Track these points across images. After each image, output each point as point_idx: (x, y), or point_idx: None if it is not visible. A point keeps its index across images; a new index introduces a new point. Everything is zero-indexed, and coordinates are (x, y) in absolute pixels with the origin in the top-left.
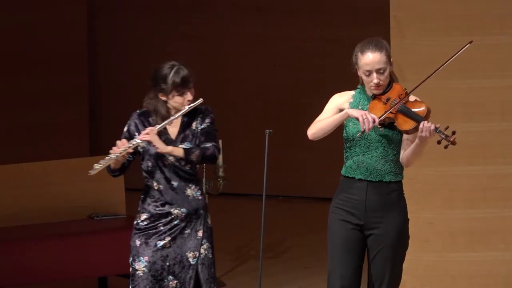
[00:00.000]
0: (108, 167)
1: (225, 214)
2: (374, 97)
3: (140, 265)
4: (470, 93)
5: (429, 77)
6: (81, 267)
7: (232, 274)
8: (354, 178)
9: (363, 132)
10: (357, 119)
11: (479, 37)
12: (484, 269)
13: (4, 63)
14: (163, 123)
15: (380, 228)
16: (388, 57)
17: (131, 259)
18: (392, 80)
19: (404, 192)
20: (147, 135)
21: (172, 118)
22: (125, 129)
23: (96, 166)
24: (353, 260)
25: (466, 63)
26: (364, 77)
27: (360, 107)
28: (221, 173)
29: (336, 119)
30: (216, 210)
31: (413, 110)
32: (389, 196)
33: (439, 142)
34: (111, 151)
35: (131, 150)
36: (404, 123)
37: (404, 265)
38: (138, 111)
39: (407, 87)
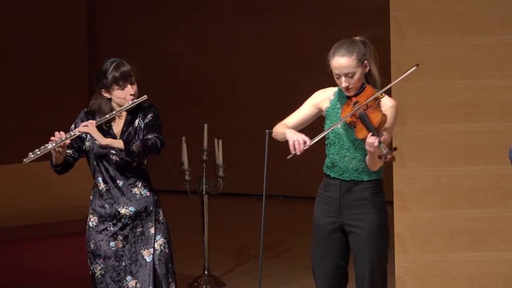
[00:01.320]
0: (51, 161)
1: (225, 214)
2: (348, 97)
3: (97, 267)
4: (470, 93)
5: (382, 91)
6: (81, 267)
7: (232, 274)
8: (329, 176)
9: (293, 155)
10: (288, 142)
11: (479, 37)
12: (484, 269)
13: (4, 63)
14: (104, 117)
15: (357, 227)
16: (360, 60)
17: (88, 262)
18: (366, 82)
19: (381, 189)
20: (86, 127)
21: (113, 112)
22: (72, 126)
23: (30, 154)
24: (332, 258)
25: (466, 63)
26: (335, 79)
27: (338, 106)
28: (221, 173)
29: (281, 133)
30: (216, 210)
31: (369, 119)
32: (361, 195)
33: (380, 157)
34: (49, 142)
35: (68, 141)
36: (360, 131)
37: (404, 265)
38: (85, 109)
39: (407, 87)
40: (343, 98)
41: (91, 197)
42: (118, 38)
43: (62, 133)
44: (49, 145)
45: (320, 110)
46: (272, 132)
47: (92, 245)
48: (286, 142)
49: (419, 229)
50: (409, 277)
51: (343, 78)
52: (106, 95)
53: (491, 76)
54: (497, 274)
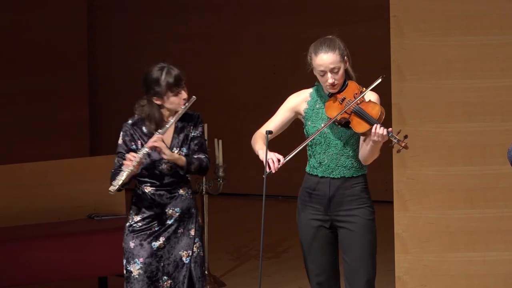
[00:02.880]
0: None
1: (225, 214)
2: (331, 95)
3: (135, 267)
4: (470, 93)
5: (374, 84)
6: (81, 267)
7: (232, 274)
8: (317, 175)
9: (269, 173)
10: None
11: (479, 37)
12: (484, 269)
13: (4, 63)
14: (166, 127)
15: (349, 223)
16: (342, 55)
17: (125, 261)
18: (348, 77)
19: (367, 184)
20: (156, 143)
21: (171, 121)
22: (120, 141)
23: (114, 183)
24: (325, 256)
25: (466, 63)
26: (319, 77)
27: (317, 106)
28: (221, 173)
29: (255, 146)
30: (216, 210)
31: (367, 112)
32: (352, 191)
33: (392, 146)
34: (123, 166)
35: (143, 161)
36: (358, 125)
37: (404, 265)
38: (130, 121)
39: (407, 87)
40: (321, 97)
41: (134, 197)
42: (117, 38)
43: (132, 153)
44: (127, 169)
45: (297, 113)
46: (271, 132)
47: (132, 244)
48: (287, 142)
49: (419, 229)
50: (409, 277)
51: (329, 75)
52: (158, 102)
53: (491, 76)
54: (497, 274)
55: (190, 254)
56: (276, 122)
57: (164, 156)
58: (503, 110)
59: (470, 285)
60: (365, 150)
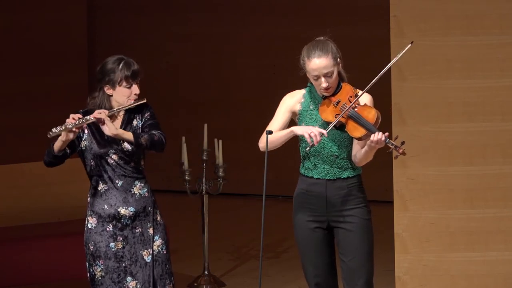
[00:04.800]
0: (52, 147)
1: (225, 214)
2: (325, 97)
3: (97, 269)
4: (470, 93)
5: (374, 81)
6: (81, 267)
7: (232, 274)
8: (312, 177)
9: (312, 146)
10: (303, 136)
11: (479, 37)
12: (484, 269)
13: (4, 63)
14: (114, 109)
15: (347, 223)
16: (335, 58)
17: (87, 264)
18: (341, 79)
19: (362, 184)
20: (100, 114)
21: (120, 107)
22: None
23: (53, 129)
24: (322, 257)
25: (466, 63)
26: (312, 81)
27: (311, 107)
28: (221, 173)
29: (282, 136)
30: (216, 210)
31: (363, 117)
32: (348, 191)
33: (389, 152)
34: (67, 122)
35: (85, 125)
36: (355, 130)
37: (404, 265)
38: (81, 110)
39: (407, 87)
40: (315, 98)
41: (89, 198)
42: (117, 38)
43: (77, 115)
44: (69, 124)
45: (293, 114)
46: (271, 132)
47: (91, 247)
48: (286, 142)
49: (419, 229)
50: (409, 277)
51: (322, 79)
52: (109, 92)
53: (491, 76)
54: (497, 274)
55: (151, 252)
56: (278, 123)
57: (107, 130)
58: (503, 110)
59: (470, 285)
60: (360, 153)
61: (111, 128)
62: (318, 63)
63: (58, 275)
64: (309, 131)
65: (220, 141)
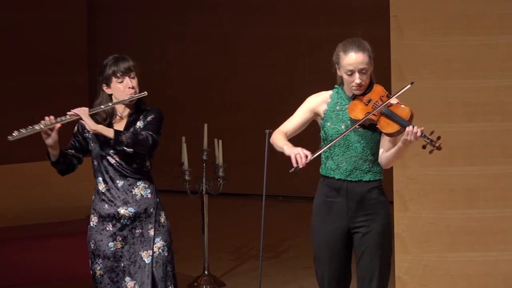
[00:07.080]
0: (48, 157)
1: (225, 214)
2: (354, 97)
3: (97, 267)
4: (470, 93)
5: (403, 90)
6: (81, 267)
7: (232, 274)
8: (334, 178)
9: (296, 168)
10: (290, 156)
11: (479, 37)
12: (484, 269)
13: (3, 63)
14: (99, 108)
15: (364, 227)
16: (370, 57)
17: (90, 261)
18: (372, 81)
19: (383, 188)
20: (77, 110)
21: (109, 104)
22: (75, 130)
23: (16, 132)
24: (340, 260)
25: (466, 63)
26: (345, 77)
27: (338, 108)
28: (221, 173)
29: (278, 145)
30: (216, 210)
31: (397, 113)
32: (370, 195)
33: (424, 147)
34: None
35: (58, 125)
36: (388, 126)
37: (404, 265)
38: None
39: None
40: (342, 99)
41: (93, 197)
42: (117, 38)
43: (52, 117)
44: (37, 126)
45: (316, 114)
46: (271, 132)
47: (92, 245)
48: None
49: (419, 229)
50: (409, 277)
51: (357, 75)
52: (108, 91)
53: (491, 76)
54: (497, 274)
55: (151, 254)
56: (295, 122)
57: (87, 126)
58: (503, 110)
59: (470, 285)
60: (391, 152)
61: (89, 124)
62: (355, 57)
63: (58, 275)
64: (295, 152)
65: (220, 141)
